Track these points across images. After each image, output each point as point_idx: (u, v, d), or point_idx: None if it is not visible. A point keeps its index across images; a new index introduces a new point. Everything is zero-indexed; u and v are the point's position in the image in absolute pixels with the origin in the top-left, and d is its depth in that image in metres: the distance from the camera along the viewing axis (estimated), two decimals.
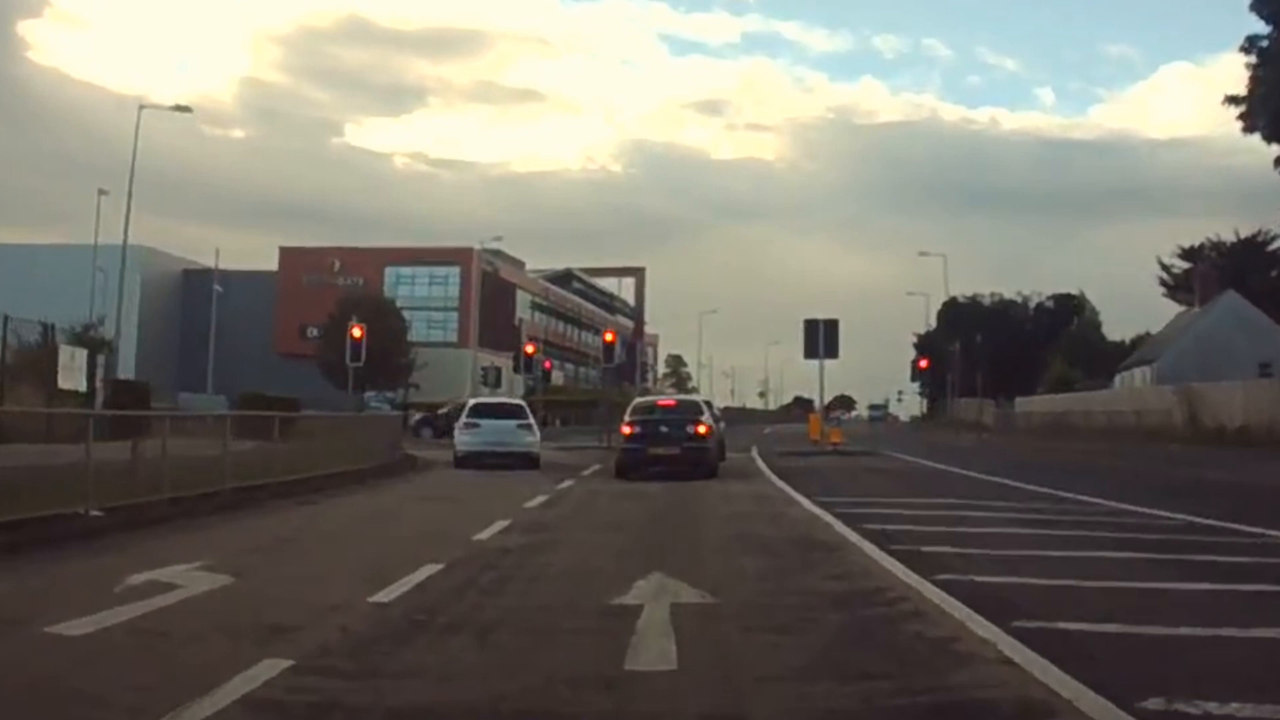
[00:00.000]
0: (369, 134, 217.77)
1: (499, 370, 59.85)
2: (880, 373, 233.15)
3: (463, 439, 39.43)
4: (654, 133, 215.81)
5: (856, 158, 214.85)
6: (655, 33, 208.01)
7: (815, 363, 46.28)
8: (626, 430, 33.14)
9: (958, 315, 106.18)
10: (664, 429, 32.14)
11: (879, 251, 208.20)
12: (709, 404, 40.69)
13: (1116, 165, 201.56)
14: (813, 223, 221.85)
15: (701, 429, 32.58)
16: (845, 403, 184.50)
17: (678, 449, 31.97)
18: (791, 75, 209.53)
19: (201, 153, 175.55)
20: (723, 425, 43.33)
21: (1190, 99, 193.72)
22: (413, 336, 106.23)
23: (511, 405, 44.65)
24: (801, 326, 46.74)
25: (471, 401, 46.51)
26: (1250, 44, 68.75)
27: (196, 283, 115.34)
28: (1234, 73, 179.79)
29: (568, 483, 29.65)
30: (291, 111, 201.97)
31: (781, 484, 29.04)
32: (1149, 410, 65.64)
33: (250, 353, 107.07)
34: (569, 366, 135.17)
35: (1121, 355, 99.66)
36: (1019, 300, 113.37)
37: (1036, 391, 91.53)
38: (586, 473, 34.01)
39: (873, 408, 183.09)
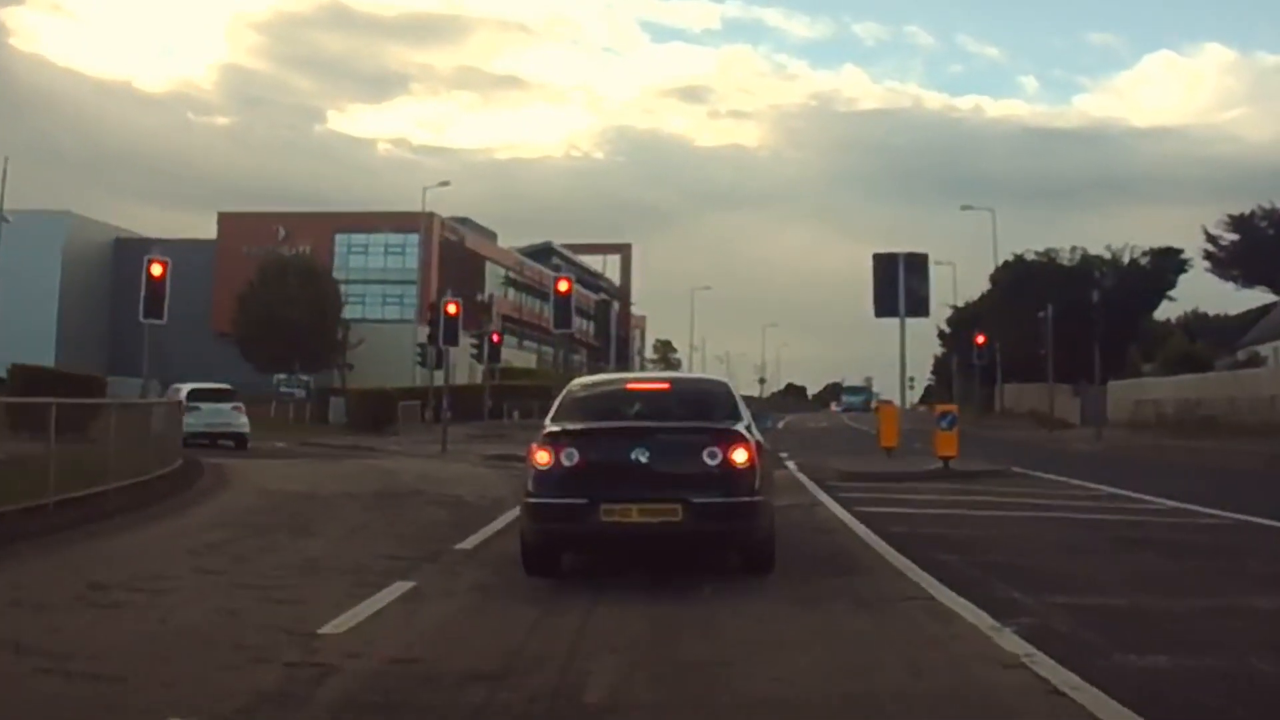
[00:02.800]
0: (352, 121, 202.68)
1: (447, 353, 48.56)
2: (870, 360, 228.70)
3: (187, 421, 38.07)
4: (636, 120, 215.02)
5: (839, 146, 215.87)
6: (636, 20, 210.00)
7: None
8: (543, 458, 12.98)
9: (1021, 277, 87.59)
10: (642, 454, 12.69)
11: (863, 239, 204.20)
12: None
13: (1099, 154, 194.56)
14: (796, 210, 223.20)
15: (738, 454, 12.85)
16: (855, 391, 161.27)
17: (676, 510, 12.51)
18: (773, 62, 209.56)
19: (186, 140, 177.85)
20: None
21: (1174, 88, 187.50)
22: (365, 313, 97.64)
23: (225, 390, 49.74)
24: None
25: (189, 387, 47.06)
26: None
27: (131, 253, 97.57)
28: (1218, 62, 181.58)
29: (395, 589, 12.31)
30: (274, 99, 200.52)
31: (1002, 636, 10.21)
32: None
33: (188, 332, 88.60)
34: (546, 349, 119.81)
35: (1243, 327, 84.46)
36: (1108, 255, 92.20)
37: (1133, 373, 71.60)
38: (474, 540, 16.43)
39: (849, 391, 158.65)
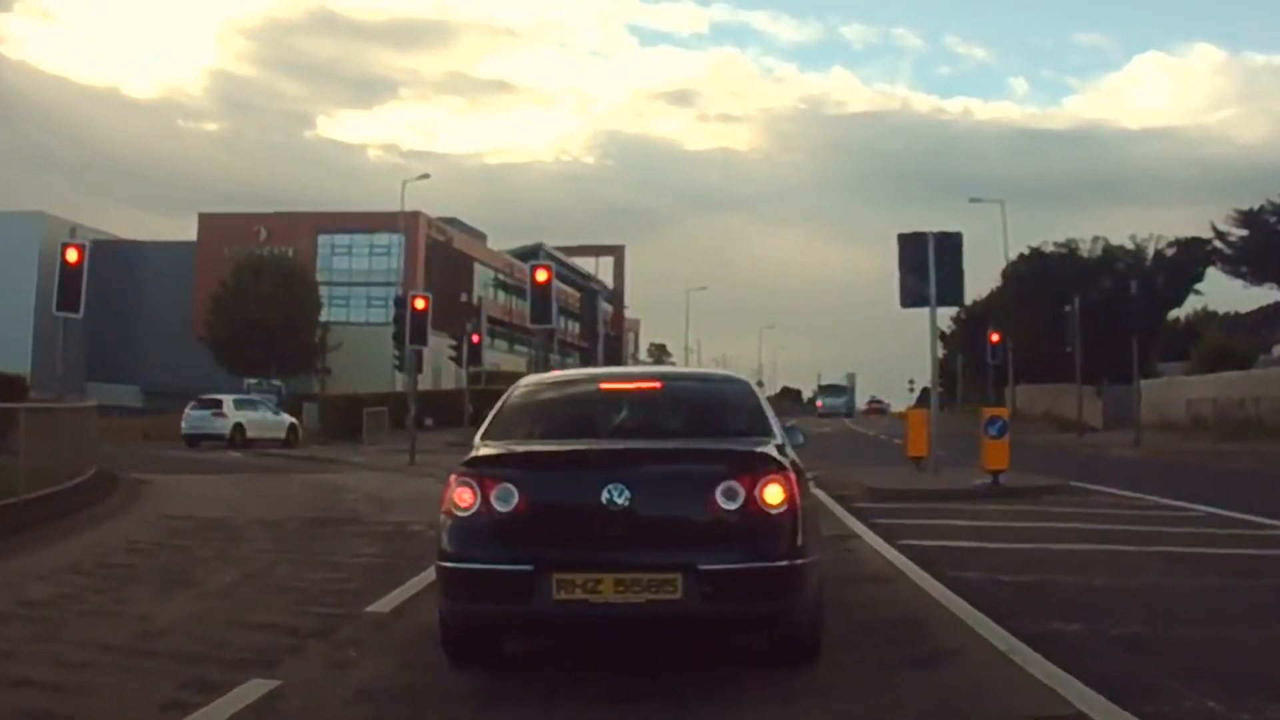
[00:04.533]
0: (341, 126, 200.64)
1: (420, 354, 45.92)
2: (870, 362, 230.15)
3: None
4: (626, 124, 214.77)
5: (829, 149, 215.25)
6: (624, 23, 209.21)
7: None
8: (464, 498, 8.17)
9: (1038, 272, 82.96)
10: (619, 494, 7.91)
11: (854, 241, 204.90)
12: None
13: (1090, 155, 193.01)
14: (787, 213, 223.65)
15: (772, 491, 8.04)
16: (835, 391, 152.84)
17: (674, 582, 7.75)
18: (761, 66, 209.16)
19: (176, 146, 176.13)
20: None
21: (1164, 89, 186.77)
22: (349, 316, 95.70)
23: (213, 399, 55.37)
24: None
25: (233, 398, 53.81)
26: None
27: (111, 255, 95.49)
28: (1208, 62, 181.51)
29: (239, 698, 7.69)
30: (263, 104, 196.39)
31: None
32: None
33: (170, 335, 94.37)
34: (539, 352, 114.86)
35: (1255, 325, 79.93)
36: (1132, 247, 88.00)
37: (1150, 372, 66.43)
38: (397, 597, 11.89)
39: (827, 390, 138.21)
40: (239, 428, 52.21)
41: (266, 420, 54.03)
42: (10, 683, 8.41)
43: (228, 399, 55.41)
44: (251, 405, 56.60)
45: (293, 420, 48.67)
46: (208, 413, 53.61)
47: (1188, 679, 8.13)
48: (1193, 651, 9.12)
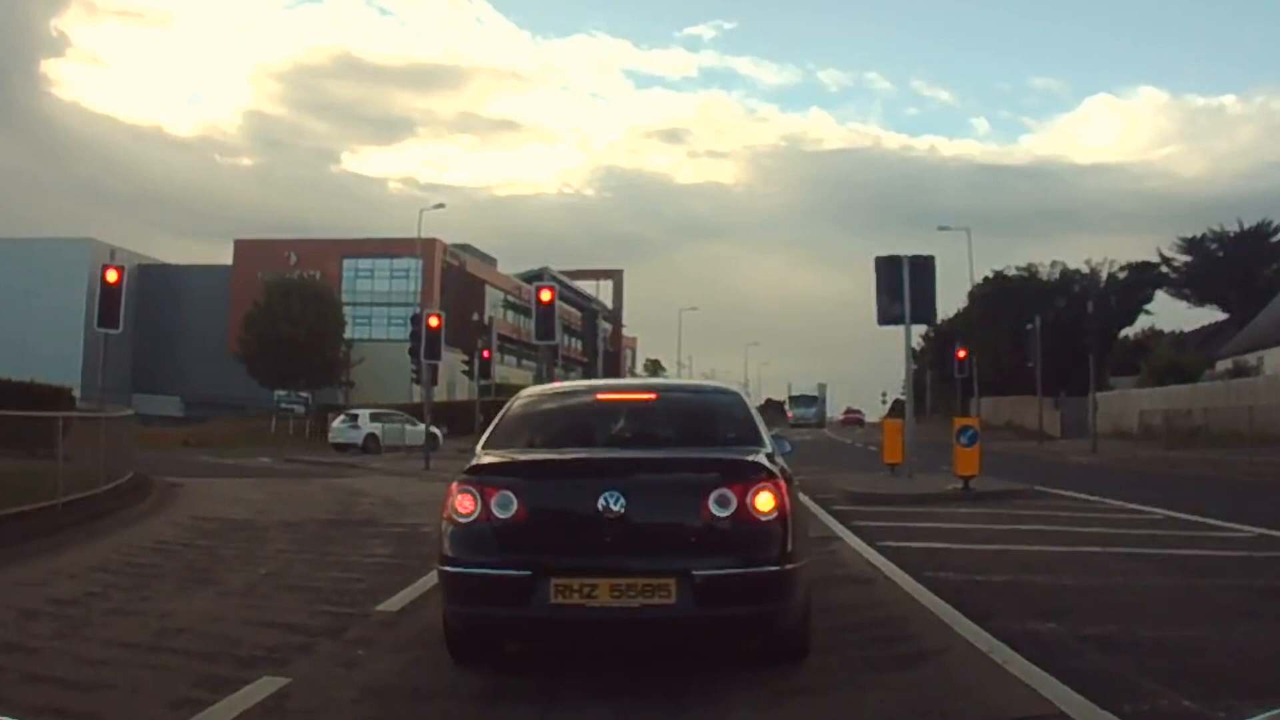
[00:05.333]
0: (364, 161, 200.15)
1: (435, 368, 46.28)
2: (838, 374, 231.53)
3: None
4: (622, 159, 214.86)
5: (808, 182, 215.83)
6: (620, 68, 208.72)
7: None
8: (465, 505, 7.75)
9: (1001, 293, 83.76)
10: (615, 501, 7.47)
11: (830, 267, 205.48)
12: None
13: (1046, 188, 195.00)
14: (771, 241, 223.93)
15: (763, 498, 7.63)
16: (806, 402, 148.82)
17: (669, 586, 7.33)
18: (745, 106, 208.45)
19: (214, 180, 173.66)
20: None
21: (1112, 128, 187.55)
22: (371, 334, 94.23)
23: (352, 414, 57.23)
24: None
25: (368, 411, 54.80)
26: None
27: (154, 278, 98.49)
28: (1151, 103, 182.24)
29: (247, 697, 7.34)
30: (293, 142, 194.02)
31: None
32: None
33: (208, 350, 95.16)
34: (544, 366, 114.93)
35: (1200, 343, 79.89)
36: (1087, 270, 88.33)
37: (1109, 385, 66.23)
38: (405, 596, 11.43)
39: (798, 401, 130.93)
40: (372, 436, 53.20)
41: (403, 430, 53.92)
42: (29, 677, 8.07)
43: (364, 413, 57.35)
44: (386, 418, 57.32)
45: (434, 430, 48.16)
46: (346, 425, 55.83)
47: (1162, 678, 7.77)
48: (1165, 650, 8.72)
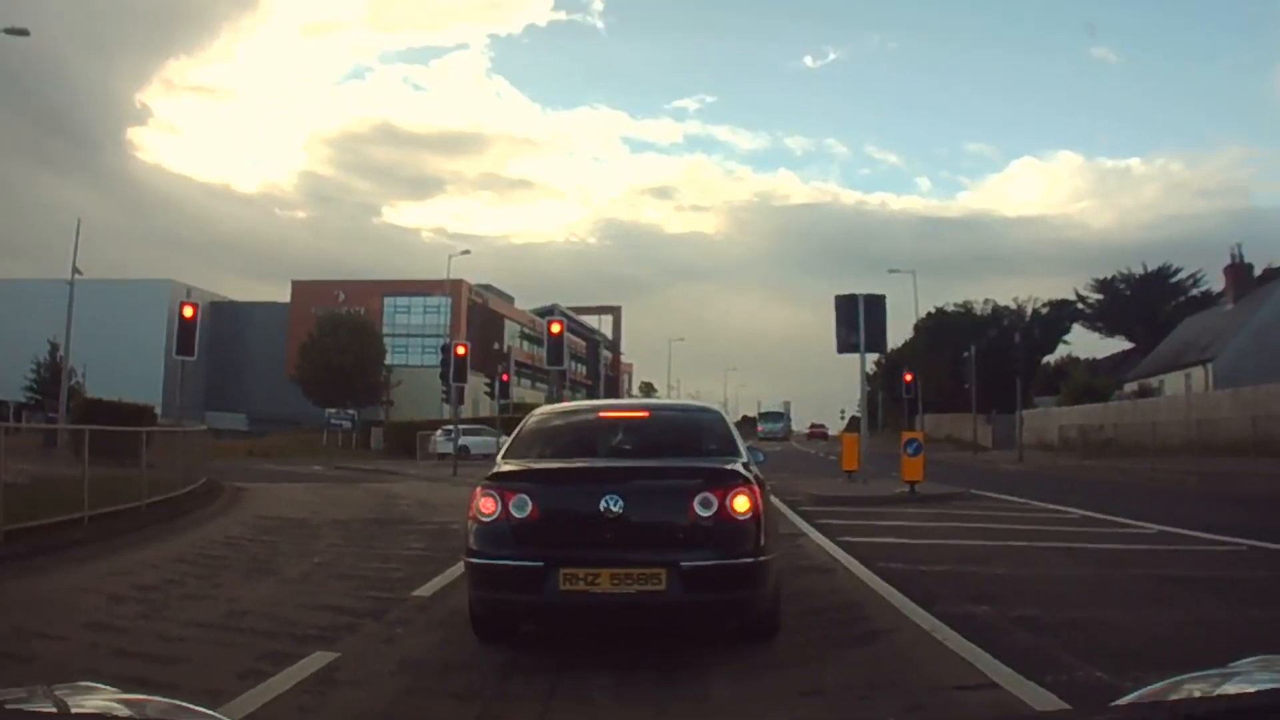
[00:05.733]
0: (401, 214, 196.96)
1: (462, 389, 46.42)
2: (803, 394, 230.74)
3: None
4: (620, 213, 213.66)
5: (777, 232, 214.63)
6: (618, 136, 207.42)
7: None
8: (487, 506, 7.70)
9: (942, 326, 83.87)
10: (615, 503, 7.45)
11: (797, 304, 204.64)
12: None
13: (979, 237, 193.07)
14: (746, 282, 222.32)
15: (740, 501, 7.58)
16: (774, 418, 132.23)
17: (660, 575, 7.31)
18: (724, 168, 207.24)
19: (274, 230, 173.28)
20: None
21: (1035, 186, 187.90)
22: (408, 360, 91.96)
23: (448, 429, 50.93)
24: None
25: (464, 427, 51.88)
26: None
27: (224, 313, 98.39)
28: (1068, 165, 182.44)
29: (304, 668, 7.35)
30: (340, 197, 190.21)
31: None
32: (1269, 416, 37.86)
33: (268, 375, 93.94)
34: (554, 388, 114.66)
35: (1110, 368, 79.29)
36: (1013, 307, 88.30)
37: (1033, 404, 65.93)
38: (436, 584, 11.20)
39: (766, 417, 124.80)
40: (464, 448, 51.88)
41: (491, 442, 52.54)
42: (118, 652, 7.99)
43: (459, 429, 55.01)
44: (476, 432, 58.08)
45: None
46: (446, 438, 53.70)
47: (1079, 653, 7.71)
48: (1081, 630, 8.63)
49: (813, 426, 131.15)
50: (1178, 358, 62.03)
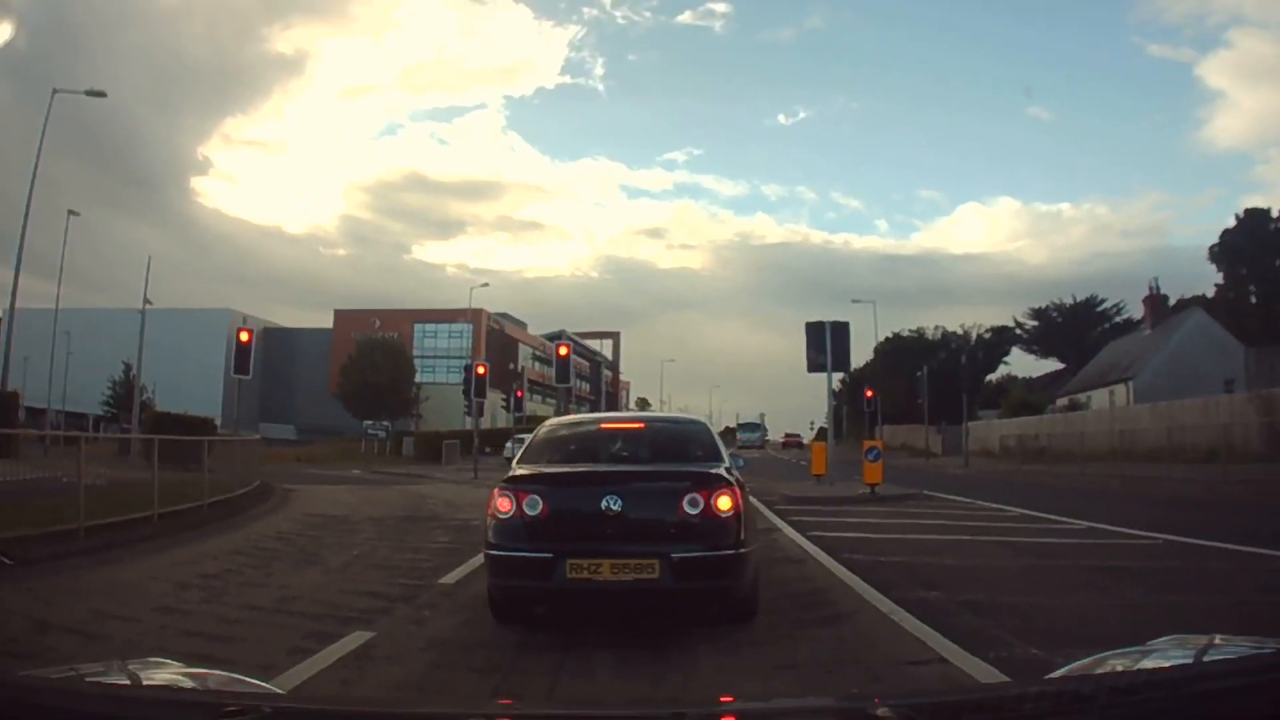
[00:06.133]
0: (428, 252, 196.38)
1: (482, 403, 46.03)
2: (777, 408, 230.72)
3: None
4: (618, 250, 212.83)
5: (755, 267, 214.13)
6: (617, 184, 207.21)
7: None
8: (504, 505, 7.63)
9: (898, 349, 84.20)
10: (614, 503, 7.40)
11: (772, 330, 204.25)
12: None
13: (930, 272, 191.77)
14: (728, 311, 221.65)
15: (723, 501, 7.51)
16: (751, 428, 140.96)
17: (654, 565, 7.27)
18: (708, 211, 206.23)
19: (318, 266, 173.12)
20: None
21: (979, 228, 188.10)
22: (435, 379, 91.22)
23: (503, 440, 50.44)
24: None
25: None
26: None
27: (275, 338, 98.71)
28: (1008, 209, 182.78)
29: (344, 645, 7.35)
30: (376, 238, 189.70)
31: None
32: (1181, 427, 37.94)
33: (314, 392, 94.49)
34: (562, 403, 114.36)
35: (1045, 385, 78.69)
36: (960, 332, 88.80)
37: (977, 416, 66.08)
38: (459, 573, 11.12)
39: (744, 427, 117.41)
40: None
41: None
42: (184, 632, 7.93)
43: (511, 442, 54.40)
44: (521, 442, 57.08)
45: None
46: (515, 445, 52.13)
47: (1017, 633, 7.64)
48: (1019, 613, 8.56)
49: (787, 436, 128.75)
50: (1103, 376, 62.05)
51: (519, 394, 55.85)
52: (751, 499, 8.63)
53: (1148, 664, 2.62)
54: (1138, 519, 17.62)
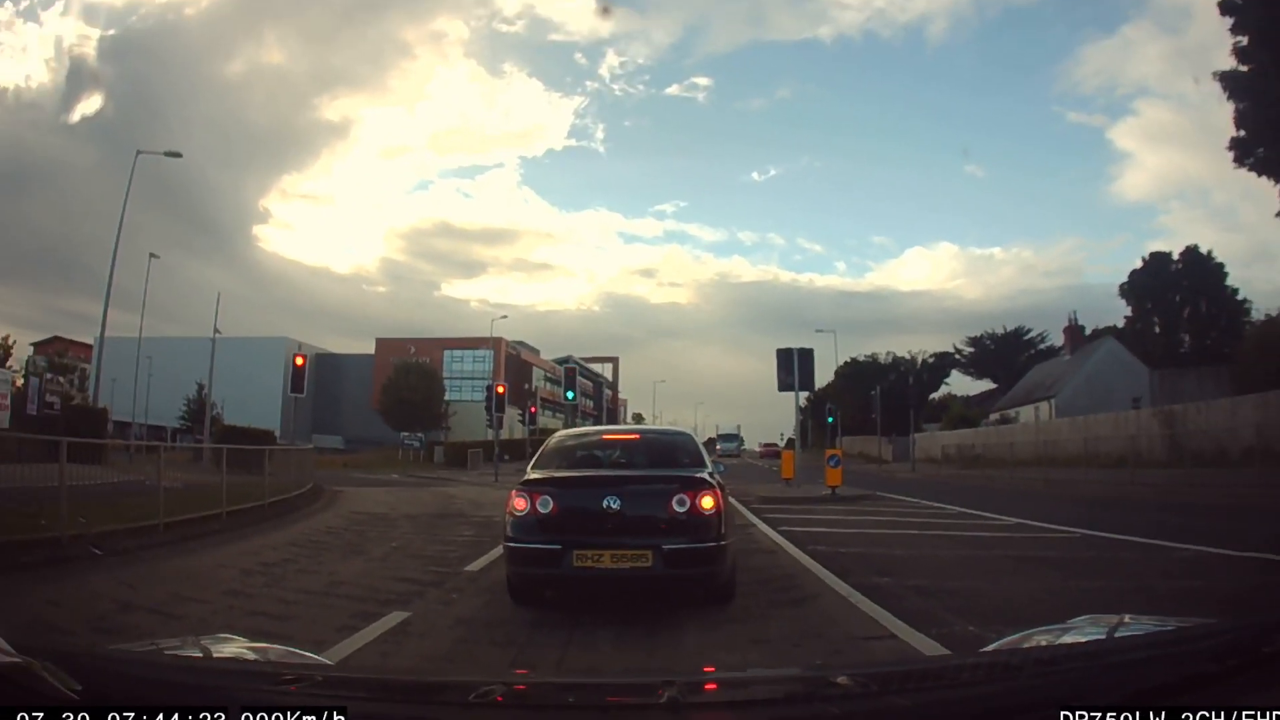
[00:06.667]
0: (455, 289, 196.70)
1: (501, 418, 45.71)
2: (752, 421, 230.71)
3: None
4: (616, 288, 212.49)
5: (732, 302, 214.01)
6: (615, 231, 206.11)
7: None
8: (520, 504, 7.61)
9: (856, 371, 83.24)
10: (614, 502, 7.38)
11: (748, 355, 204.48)
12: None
13: (882, 306, 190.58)
14: (710, 339, 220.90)
15: (706, 501, 7.47)
16: (729, 438, 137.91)
17: (647, 555, 7.24)
18: (692, 255, 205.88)
19: (362, 301, 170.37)
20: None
21: (923, 268, 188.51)
22: (461, 397, 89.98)
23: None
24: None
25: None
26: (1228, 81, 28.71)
27: (326, 362, 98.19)
28: (948, 253, 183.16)
29: (386, 623, 7.31)
30: (410, 276, 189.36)
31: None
32: (1096, 438, 37.87)
33: (358, 407, 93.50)
34: (569, 417, 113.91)
35: (980, 402, 78.27)
36: (908, 357, 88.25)
37: (921, 429, 66.27)
38: (482, 562, 10.97)
39: (724, 438, 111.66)
40: None
41: None
42: (248, 612, 7.87)
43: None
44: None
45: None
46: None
47: (956, 612, 7.63)
48: (957, 595, 8.54)
49: (765, 445, 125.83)
50: (1029, 395, 61.97)
51: (533, 410, 55.62)
52: (730, 499, 8.60)
53: (1067, 639, 2.63)
54: (1059, 516, 17.60)
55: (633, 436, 10.02)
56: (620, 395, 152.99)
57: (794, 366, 26.38)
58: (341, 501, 22.87)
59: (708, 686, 2.30)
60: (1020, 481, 33.33)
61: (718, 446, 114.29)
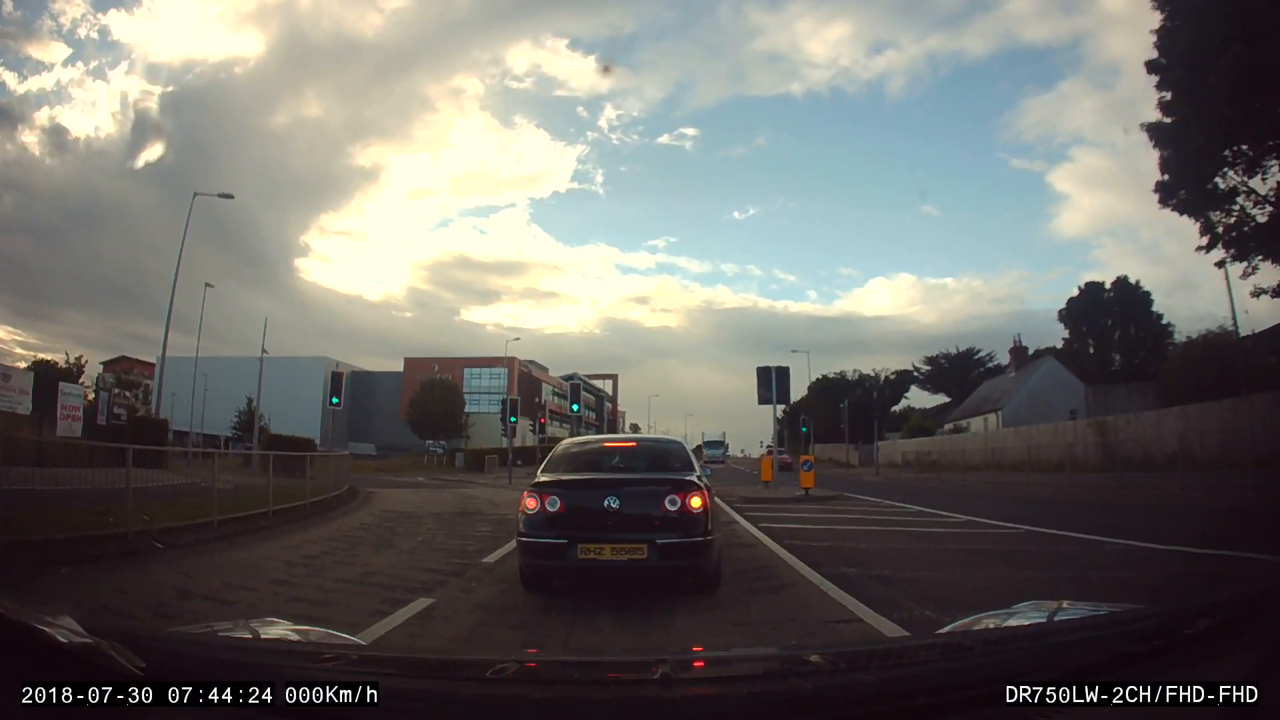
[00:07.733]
0: (473, 315, 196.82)
1: (514, 427, 45.61)
2: (736, 431, 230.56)
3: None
4: (615, 313, 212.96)
5: (717, 326, 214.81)
6: (613, 264, 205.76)
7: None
8: (531, 503, 7.59)
9: (826, 386, 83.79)
10: (613, 502, 7.36)
11: (730, 373, 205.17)
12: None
13: (849, 330, 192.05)
14: (698, 358, 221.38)
15: (694, 500, 7.41)
16: (715, 445, 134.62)
17: (643, 549, 7.21)
18: (681, 284, 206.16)
19: (391, 325, 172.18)
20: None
21: (885, 296, 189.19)
22: (479, 409, 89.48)
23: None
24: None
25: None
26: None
27: (360, 379, 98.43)
28: (906, 282, 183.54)
29: (414, 607, 7.27)
30: (433, 304, 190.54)
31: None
32: (1038, 445, 37.60)
33: (389, 419, 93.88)
34: (574, 427, 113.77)
35: (937, 414, 78.38)
36: (872, 375, 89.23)
37: (884, 437, 66.45)
38: (497, 554, 10.85)
39: (710, 445, 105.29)
40: None
41: None
42: (291, 599, 7.81)
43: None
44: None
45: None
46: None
47: (915, 599, 7.61)
48: (916, 584, 8.52)
49: (780, 457, 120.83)
50: (979, 407, 62.02)
51: (542, 421, 55.42)
52: (716, 499, 8.58)
53: (1013, 622, 2.63)
54: (1005, 514, 17.57)
55: (630, 444, 9.96)
56: (619, 408, 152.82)
57: (772, 382, 26.35)
58: (374, 501, 22.74)
59: (696, 664, 2.30)
60: (971, 484, 33.30)
61: (704, 453, 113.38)
